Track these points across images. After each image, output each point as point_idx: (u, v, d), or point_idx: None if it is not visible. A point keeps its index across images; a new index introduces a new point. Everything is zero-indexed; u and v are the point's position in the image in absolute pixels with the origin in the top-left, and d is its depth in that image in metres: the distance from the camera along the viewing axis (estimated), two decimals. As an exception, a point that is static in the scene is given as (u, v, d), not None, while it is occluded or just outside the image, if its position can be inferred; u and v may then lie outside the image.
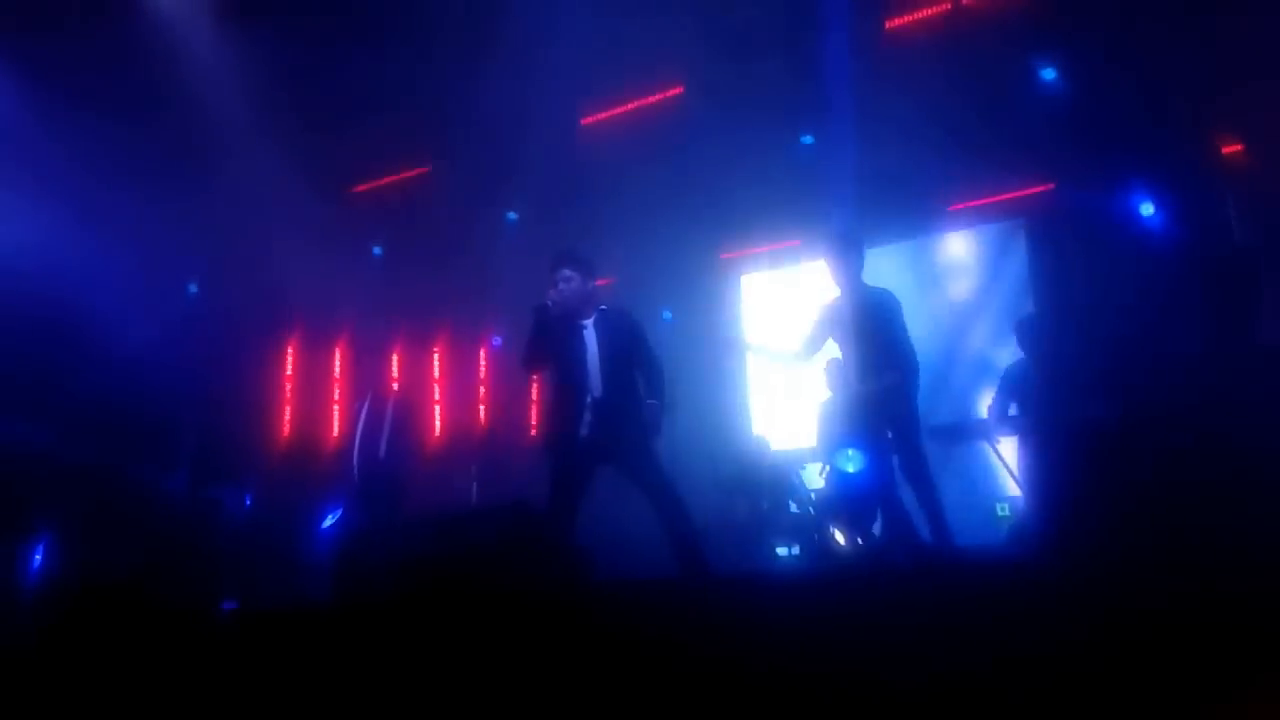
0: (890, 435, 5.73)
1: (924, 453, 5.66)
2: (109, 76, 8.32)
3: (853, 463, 7.14)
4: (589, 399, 5.23)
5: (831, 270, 5.98)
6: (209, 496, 8.29)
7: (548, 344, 5.33)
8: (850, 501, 7.01)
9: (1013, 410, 6.66)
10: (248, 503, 8.38)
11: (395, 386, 9.49)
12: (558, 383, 5.43)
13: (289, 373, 11.42)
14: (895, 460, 5.76)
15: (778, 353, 6.44)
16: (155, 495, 8.22)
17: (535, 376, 8.76)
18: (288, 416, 11.23)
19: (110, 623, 3.96)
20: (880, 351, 5.70)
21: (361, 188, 10.63)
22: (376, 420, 7.57)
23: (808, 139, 8.98)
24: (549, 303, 5.26)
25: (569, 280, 5.32)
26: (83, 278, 8.40)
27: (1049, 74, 8.07)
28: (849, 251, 5.94)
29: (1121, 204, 8.05)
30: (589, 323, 5.36)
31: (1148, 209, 8.01)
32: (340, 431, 9.85)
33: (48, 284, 8.20)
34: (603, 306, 5.45)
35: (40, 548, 8.44)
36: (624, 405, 5.26)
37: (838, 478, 7.25)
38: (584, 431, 5.21)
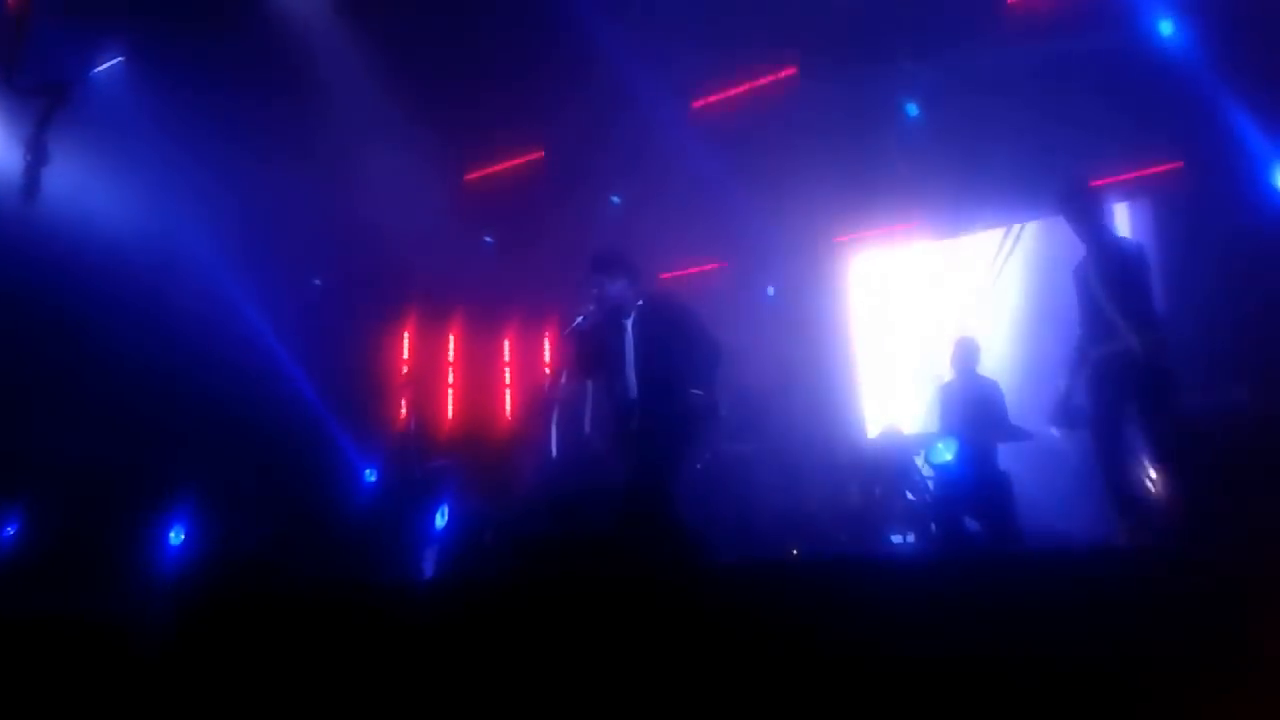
0: (1134, 405, 5.24)
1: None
2: (237, 76, 8.58)
3: (949, 453, 7.01)
4: (627, 400, 5.27)
5: (1073, 227, 5.62)
6: (337, 474, 8.56)
7: (591, 357, 5.43)
8: (959, 491, 6.92)
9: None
10: (371, 480, 8.62)
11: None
12: (603, 384, 5.48)
13: (405, 357, 11.70)
14: (1141, 435, 5.25)
15: None
16: (285, 474, 8.53)
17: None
18: (405, 400, 11.49)
19: (245, 595, 4.11)
20: (1133, 310, 5.29)
21: (474, 175, 10.77)
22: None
23: (912, 109, 8.74)
24: (578, 321, 5.36)
25: (600, 285, 5.36)
26: (214, 272, 8.81)
27: (1167, 28, 7.63)
28: (1087, 202, 5.60)
29: (1252, 182, 7.63)
30: (629, 321, 5.37)
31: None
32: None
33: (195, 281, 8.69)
34: (640, 301, 5.41)
35: (177, 523, 8.88)
36: (655, 405, 5.20)
37: (946, 468, 7.11)
38: (627, 428, 5.24)
